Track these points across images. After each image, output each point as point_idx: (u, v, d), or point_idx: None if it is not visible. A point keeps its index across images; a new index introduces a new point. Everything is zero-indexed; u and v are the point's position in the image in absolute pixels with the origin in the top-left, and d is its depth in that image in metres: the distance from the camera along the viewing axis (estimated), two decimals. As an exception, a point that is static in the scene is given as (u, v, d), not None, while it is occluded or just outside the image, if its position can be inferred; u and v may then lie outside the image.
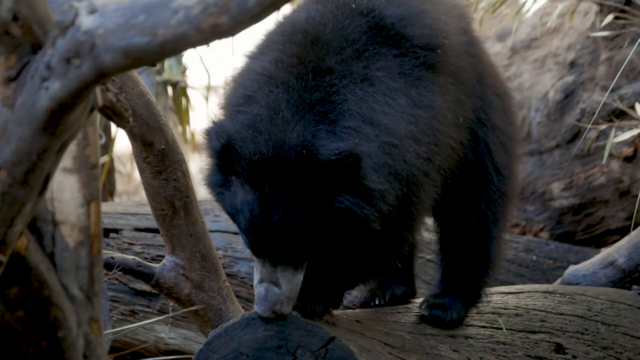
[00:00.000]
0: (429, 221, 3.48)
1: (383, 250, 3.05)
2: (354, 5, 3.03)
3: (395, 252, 3.10)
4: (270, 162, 2.74)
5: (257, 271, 2.87)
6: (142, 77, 3.54)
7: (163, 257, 3.46)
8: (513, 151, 3.48)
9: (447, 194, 3.21)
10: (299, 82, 2.83)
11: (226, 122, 2.84)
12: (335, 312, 3.14)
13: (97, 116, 2.28)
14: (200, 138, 3.27)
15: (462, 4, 3.52)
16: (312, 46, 2.91)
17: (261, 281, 2.85)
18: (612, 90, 4.88)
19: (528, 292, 3.68)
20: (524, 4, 5.04)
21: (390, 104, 2.88)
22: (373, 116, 2.83)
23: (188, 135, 6.50)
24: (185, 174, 3.39)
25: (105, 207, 4.37)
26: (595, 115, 4.78)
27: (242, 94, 2.88)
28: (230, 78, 3.03)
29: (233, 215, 2.87)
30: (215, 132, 2.83)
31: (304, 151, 2.72)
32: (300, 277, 2.87)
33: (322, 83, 2.83)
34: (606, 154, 4.48)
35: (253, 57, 3.02)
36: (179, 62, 6.40)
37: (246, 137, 2.77)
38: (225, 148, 2.80)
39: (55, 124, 2.05)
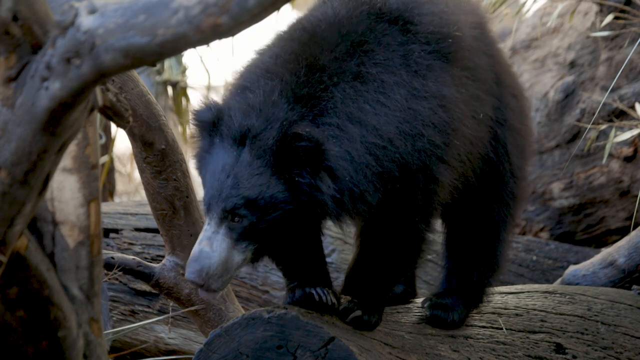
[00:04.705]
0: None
1: (404, 246, 3.10)
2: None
3: (416, 246, 3.14)
4: (254, 129, 2.87)
5: (201, 234, 2.90)
6: (142, 77, 3.55)
7: (163, 257, 3.47)
8: (527, 154, 3.47)
9: (460, 194, 3.20)
10: (292, 78, 2.92)
11: (219, 102, 3.01)
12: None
13: (97, 116, 2.28)
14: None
15: (475, 1, 3.50)
16: (310, 43, 3.00)
17: (199, 242, 2.87)
18: (612, 90, 4.88)
19: (528, 292, 3.68)
20: (524, 4, 5.04)
21: (383, 102, 2.93)
22: (361, 116, 2.90)
23: (188, 135, 6.50)
24: (185, 174, 3.39)
25: (105, 207, 4.37)
26: (595, 115, 4.78)
27: (240, 84, 2.99)
28: (236, 72, 3.12)
29: (206, 171, 2.95)
30: (207, 107, 2.97)
31: (282, 129, 2.84)
32: (239, 258, 2.89)
33: (312, 80, 2.92)
34: (606, 154, 4.48)
35: (259, 53, 3.11)
36: (179, 62, 6.41)
37: (238, 108, 2.91)
38: (216, 116, 2.94)
39: (55, 124, 2.05)
